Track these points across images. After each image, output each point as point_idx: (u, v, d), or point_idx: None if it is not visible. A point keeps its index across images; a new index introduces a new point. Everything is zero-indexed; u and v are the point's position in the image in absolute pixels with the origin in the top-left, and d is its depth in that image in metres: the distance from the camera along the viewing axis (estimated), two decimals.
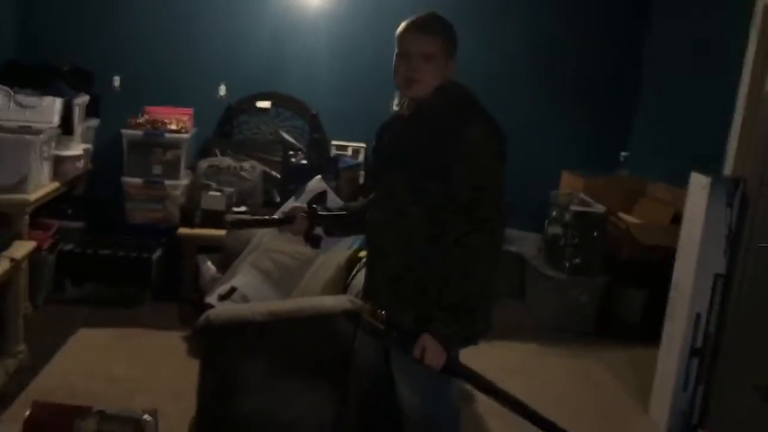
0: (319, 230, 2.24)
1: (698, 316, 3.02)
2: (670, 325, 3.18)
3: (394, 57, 1.99)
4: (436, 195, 1.87)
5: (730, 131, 3.97)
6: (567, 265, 4.19)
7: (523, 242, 4.78)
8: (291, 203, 3.76)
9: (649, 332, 3.75)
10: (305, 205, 2.25)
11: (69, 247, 4.19)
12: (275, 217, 2.31)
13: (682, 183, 3.43)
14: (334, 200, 3.20)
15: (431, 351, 1.83)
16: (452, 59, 2.00)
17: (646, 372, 3.49)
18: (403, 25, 2.01)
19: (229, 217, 2.60)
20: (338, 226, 2.26)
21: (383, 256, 2.02)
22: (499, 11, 5.01)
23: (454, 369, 1.90)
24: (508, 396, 1.90)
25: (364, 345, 2.19)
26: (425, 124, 1.93)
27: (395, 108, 2.06)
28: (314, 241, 2.27)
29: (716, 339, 3.01)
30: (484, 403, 3.26)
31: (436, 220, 1.88)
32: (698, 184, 3.04)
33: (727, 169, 3.91)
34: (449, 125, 1.88)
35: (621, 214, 4.52)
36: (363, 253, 3.07)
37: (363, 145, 4.85)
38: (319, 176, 3.85)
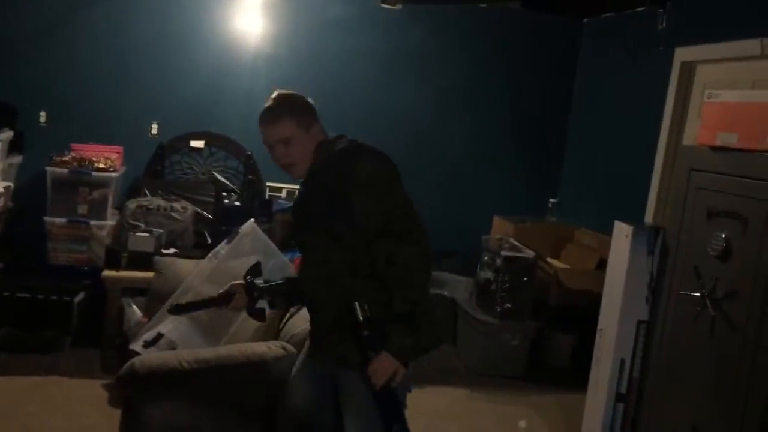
0: (262, 303, 2.26)
1: (623, 361, 3.09)
2: (596, 370, 3.24)
3: None
4: (347, 232, 1.98)
5: (651, 181, 4.16)
6: (498, 309, 4.24)
7: (456, 287, 4.83)
8: (223, 246, 3.70)
9: (577, 376, 3.81)
10: (243, 281, 2.26)
11: None
12: (214, 296, 2.30)
13: (608, 230, 3.56)
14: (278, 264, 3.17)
15: (386, 365, 1.89)
16: (312, 124, 2.09)
17: (574, 416, 3.54)
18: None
19: (168, 306, 2.58)
20: (281, 297, 2.30)
21: (319, 307, 2.11)
22: (435, 62, 5.14)
23: (392, 397, 1.92)
24: None
25: (300, 383, 2.22)
26: (318, 178, 2.07)
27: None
28: (258, 315, 2.28)
29: (640, 384, 3.09)
30: None
31: (352, 254, 1.98)
32: (621, 232, 3.15)
33: (648, 218, 4.09)
34: (339, 168, 2.00)
35: (549, 259, 4.64)
36: None
37: (298, 187, 4.82)
38: (252, 219, 3.80)
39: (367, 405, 2.01)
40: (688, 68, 4.04)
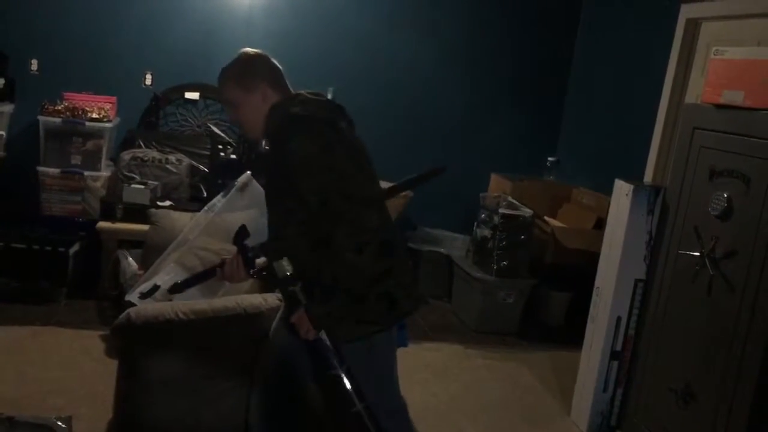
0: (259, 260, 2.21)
1: (619, 319, 3.11)
2: (591, 327, 3.26)
3: None
4: (298, 206, 1.95)
5: (651, 141, 4.13)
6: (495, 267, 4.25)
7: (452, 244, 4.83)
8: (219, 199, 3.67)
9: (571, 334, 3.85)
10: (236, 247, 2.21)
11: None
12: (208, 268, 2.27)
13: (606, 190, 3.54)
14: None
15: (302, 322, 1.93)
16: (255, 87, 2.04)
17: (568, 374, 3.57)
18: None
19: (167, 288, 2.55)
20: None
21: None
22: (435, 16, 5.04)
23: (317, 347, 1.96)
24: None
25: (280, 326, 2.21)
26: (269, 146, 2.08)
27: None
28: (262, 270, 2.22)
29: (635, 342, 3.11)
30: (417, 401, 3.27)
31: (312, 230, 1.95)
32: (621, 191, 3.12)
33: (648, 178, 4.06)
34: (278, 146, 1.99)
35: (546, 218, 4.63)
36: None
37: None
38: (248, 172, 3.76)
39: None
40: (693, 25, 3.97)
